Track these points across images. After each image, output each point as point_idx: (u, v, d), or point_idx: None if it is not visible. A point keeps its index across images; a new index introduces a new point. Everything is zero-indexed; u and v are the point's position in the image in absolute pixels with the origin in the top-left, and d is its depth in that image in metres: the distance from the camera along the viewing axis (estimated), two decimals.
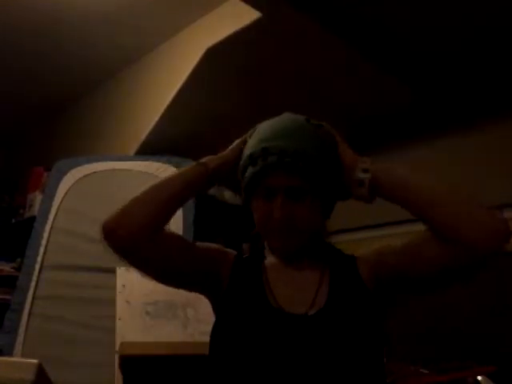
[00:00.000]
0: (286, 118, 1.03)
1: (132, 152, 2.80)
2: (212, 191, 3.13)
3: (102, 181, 2.53)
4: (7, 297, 2.51)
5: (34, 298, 2.23)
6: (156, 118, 2.70)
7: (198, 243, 1.08)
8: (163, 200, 0.99)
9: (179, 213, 2.41)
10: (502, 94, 2.57)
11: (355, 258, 1.06)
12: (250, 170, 0.98)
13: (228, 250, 1.11)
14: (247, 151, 1.01)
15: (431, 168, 2.75)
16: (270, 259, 1.07)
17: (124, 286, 2.05)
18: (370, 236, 2.93)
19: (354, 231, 2.96)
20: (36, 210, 2.75)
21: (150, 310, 2.04)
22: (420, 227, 0.95)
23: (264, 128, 1.02)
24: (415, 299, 1.20)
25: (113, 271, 2.08)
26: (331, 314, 0.95)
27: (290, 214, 0.96)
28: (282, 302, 0.97)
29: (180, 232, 2.36)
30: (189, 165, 1.05)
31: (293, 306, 0.96)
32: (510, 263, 2.37)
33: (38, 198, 2.90)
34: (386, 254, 1.01)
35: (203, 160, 1.05)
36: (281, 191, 0.96)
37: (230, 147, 1.08)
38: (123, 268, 2.08)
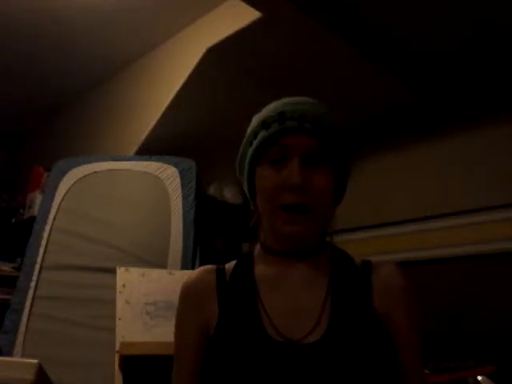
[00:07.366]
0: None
1: (132, 152, 2.80)
2: (212, 191, 3.14)
3: (102, 181, 2.53)
4: (7, 297, 2.51)
5: (34, 298, 2.23)
6: (156, 118, 2.70)
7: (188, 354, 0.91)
8: None
9: (179, 213, 2.42)
10: (502, 94, 2.57)
11: (371, 266, 0.89)
12: (262, 134, 0.85)
13: (197, 282, 0.91)
14: (255, 123, 0.89)
15: (431, 168, 2.77)
16: (261, 267, 0.90)
17: (124, 285, 2.04)
18: (370, 236, 2.93)
19: (354, 231, 2.96)
20: (36, 210, 2.75)
21: (150, 310, 2.04)
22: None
23: (274, 102, 0.90)
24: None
25: (113, 271, 2.08)
26: (333, 343, 0.79)
27: (308, 179, 0.81)
28: (280, 328, 0.81)
29: (180, 232, 2.36)
30: None
31: (291, 331, 0.81)
32: (510, 263, 2.38)
33: (38, 198, 2.91)
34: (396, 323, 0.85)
35: None
36: (298, 154, 0.83)
37: None
38: (123, 268, 2.08)
